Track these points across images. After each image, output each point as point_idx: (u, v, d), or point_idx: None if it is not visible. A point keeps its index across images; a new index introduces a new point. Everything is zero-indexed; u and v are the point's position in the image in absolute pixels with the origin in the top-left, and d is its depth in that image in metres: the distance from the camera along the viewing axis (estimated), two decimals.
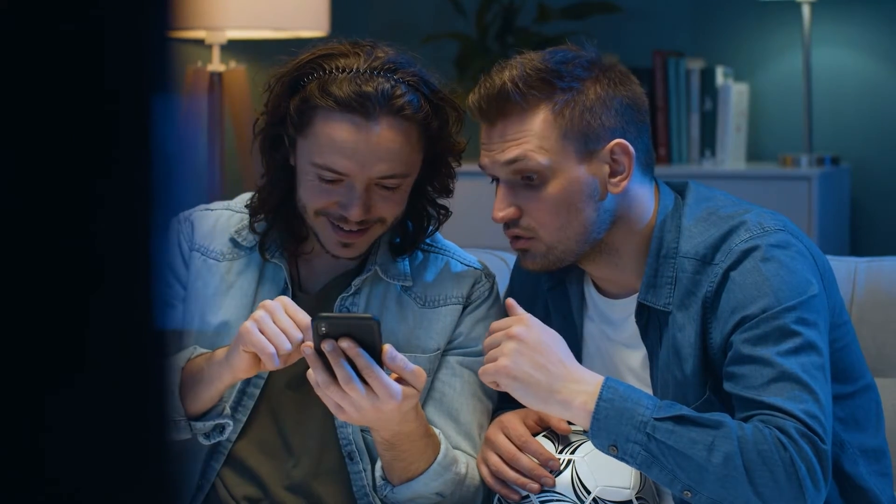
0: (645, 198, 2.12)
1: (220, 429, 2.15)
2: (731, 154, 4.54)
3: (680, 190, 2.17)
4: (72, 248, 0.65)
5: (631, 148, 2.07)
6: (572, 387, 1.99)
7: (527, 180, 2.07)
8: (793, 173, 4.32)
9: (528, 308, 2.27)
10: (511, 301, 2.10)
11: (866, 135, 4.57)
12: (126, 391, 0.66)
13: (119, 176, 0.65)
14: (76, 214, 0.64)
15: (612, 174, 2.08)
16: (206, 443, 2.15)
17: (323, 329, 1.97)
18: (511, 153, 2.07)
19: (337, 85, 2.11)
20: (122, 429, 0.67)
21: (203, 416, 2.13)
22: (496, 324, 2.06)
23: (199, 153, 3.88)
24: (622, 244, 2.12)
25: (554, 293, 2.23)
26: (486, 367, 2.02)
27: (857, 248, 4.55)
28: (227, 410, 2.16)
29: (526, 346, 1.99)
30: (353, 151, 2.11)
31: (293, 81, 2.16)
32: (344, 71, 2.12)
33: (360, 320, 1.98)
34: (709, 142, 4.55)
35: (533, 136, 2.05)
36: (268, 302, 2.05)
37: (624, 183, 2.08)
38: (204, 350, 2.16)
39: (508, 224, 2.10)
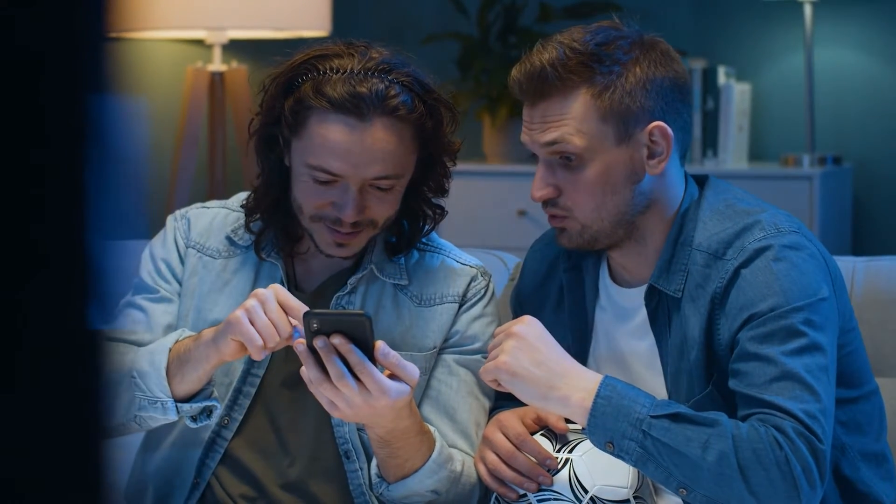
0: (678, 183, 2.13)
1: (208, 412, 2.15)
2: (733, 154, 4.54)
3: (700, 181, 2.18)
4: (5, 248, 0.64)
5: (669, 130, 2.07)
6: (571, 383, 1.99)
7: (565, 160, 2.08)
8: (794, 173, 4.32)
9: (542, 291, 2.29)
10: None
11: (868, 134, 4.57)
12: (60, 393, 0.66)
13: (54, 176, 0.65)
14: (10, 215, 0.64)
15: (651, 156, 2.08)
16: (192, 426, 2.15)
17: (315, 326, 1.97)
18: (550, 135, 2.07)
19: (331, 86, 2.11)
20: (57, 431, 0.67)
21: (190, 399, 2.13)
22: (499, 328, 2.07)
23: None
24: (650, 231, 2.12)
25: (569, 275, 2.24)
26: (486, 366, 2.03)
27: (859, 247, 4.55)
28: (216, 394, 2.16)
29: (526, 342, 2.00)
30: (347, 153, 2.11)
31: (287, 82, 2.16)
32: (338, 72, 2.12)
33: (352, 317, 1.99)
34: (711, 141, 4.54)
35: (572, 119, 2.06)
36: (260, 291, 2.05)
37: (662, 165, 2.08)
38: (191, 333, 2.17)
39: (546, 203, 2.11)
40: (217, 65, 4.26)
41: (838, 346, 2.06)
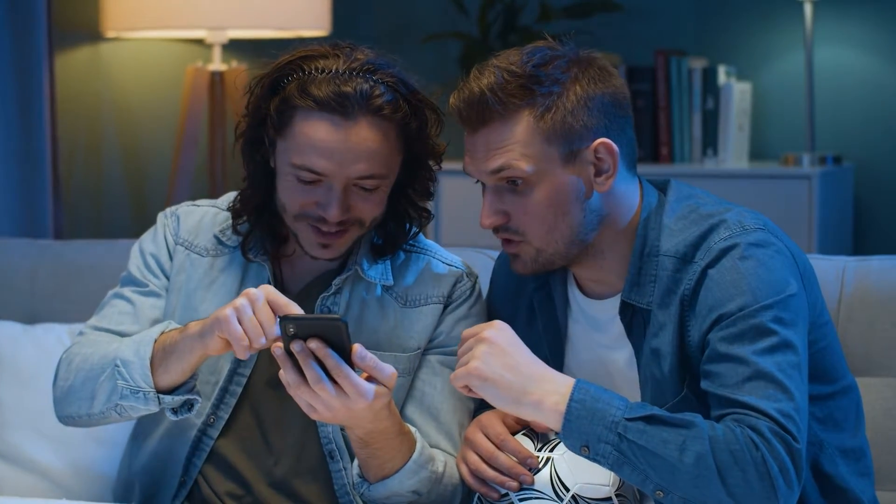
0: (630, 195, 2.13)
1: (189, 405, 2.16)
2: (734, 153, 4.53)
3: (662, 188, 2.17)
4: None
5: (615, 146, 2.07)
6: (544, 387, 1.99)
7: (512, 185, 2.07)
8: (795, 172, 4.31)
9: (512, 305, 2.28)
10: None
11: (869, 134, 4.56)
12: None
13: None
14: None
15: (598, 173, 2.08)
16: (173, 418, 2.16)
17: (291, 330, 1.98)
18: (495, 162, 2.07)
19: (316, 85, 2.12)
20: None
21: (173, 391, 2.14)
22: (467, 332, 2.06)
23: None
24: (607, 245, 2.12)
25: (539, 294, 2.23)
26: (457, 371, 2.02)
27: (860, 247, 4.54)
28: (198, 387, 2.17)
29: (497, 347, 2.00)
30: (331, 151, 2.12)
31: (273, 83, 2.17)
32: (323, 72, 2.14)
33: (328, 321, 1.99)
34: (711, 141, 4.54)
35: (516, 144, 2.05)
36: (251, 290, 2.05)
37: (610, 181, 2.08)
38: (178, 325, 2.18)
39: (497, 228, 2.11)
40: (217, 64, 4.27)
41: (811, 342, 2.06)
